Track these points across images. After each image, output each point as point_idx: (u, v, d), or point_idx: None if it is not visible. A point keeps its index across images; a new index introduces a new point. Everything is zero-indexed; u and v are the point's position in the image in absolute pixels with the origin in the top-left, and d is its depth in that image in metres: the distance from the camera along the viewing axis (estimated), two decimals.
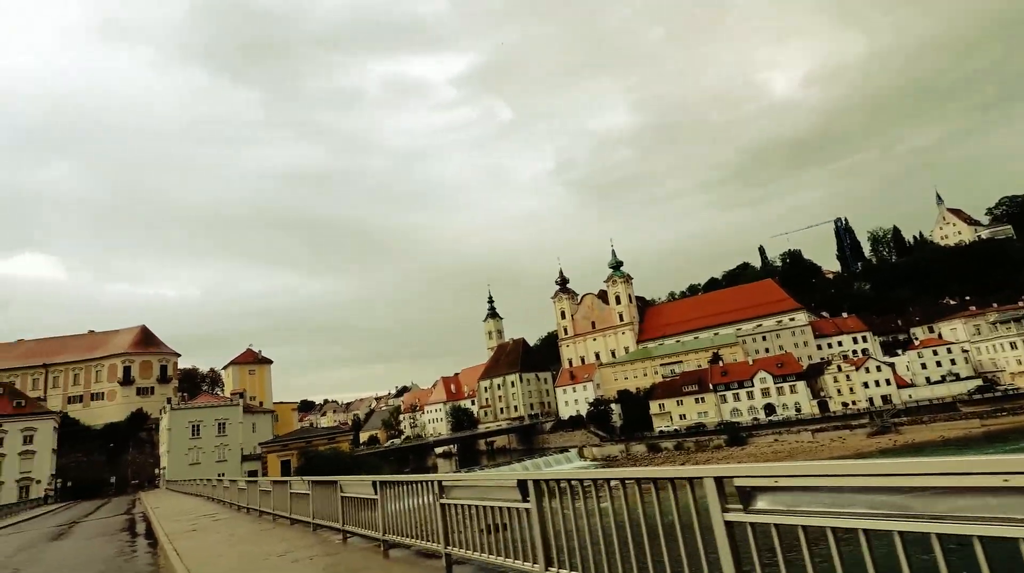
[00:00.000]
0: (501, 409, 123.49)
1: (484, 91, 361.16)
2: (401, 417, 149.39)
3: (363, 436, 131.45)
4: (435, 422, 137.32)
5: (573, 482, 4.67)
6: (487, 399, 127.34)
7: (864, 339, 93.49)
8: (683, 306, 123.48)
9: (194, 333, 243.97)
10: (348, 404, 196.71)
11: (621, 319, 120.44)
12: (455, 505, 6.32)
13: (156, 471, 76.71)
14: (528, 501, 5.06)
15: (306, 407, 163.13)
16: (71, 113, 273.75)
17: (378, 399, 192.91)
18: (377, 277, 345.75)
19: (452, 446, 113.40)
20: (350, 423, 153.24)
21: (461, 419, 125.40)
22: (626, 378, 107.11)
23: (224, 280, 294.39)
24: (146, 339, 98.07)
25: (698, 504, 3.42)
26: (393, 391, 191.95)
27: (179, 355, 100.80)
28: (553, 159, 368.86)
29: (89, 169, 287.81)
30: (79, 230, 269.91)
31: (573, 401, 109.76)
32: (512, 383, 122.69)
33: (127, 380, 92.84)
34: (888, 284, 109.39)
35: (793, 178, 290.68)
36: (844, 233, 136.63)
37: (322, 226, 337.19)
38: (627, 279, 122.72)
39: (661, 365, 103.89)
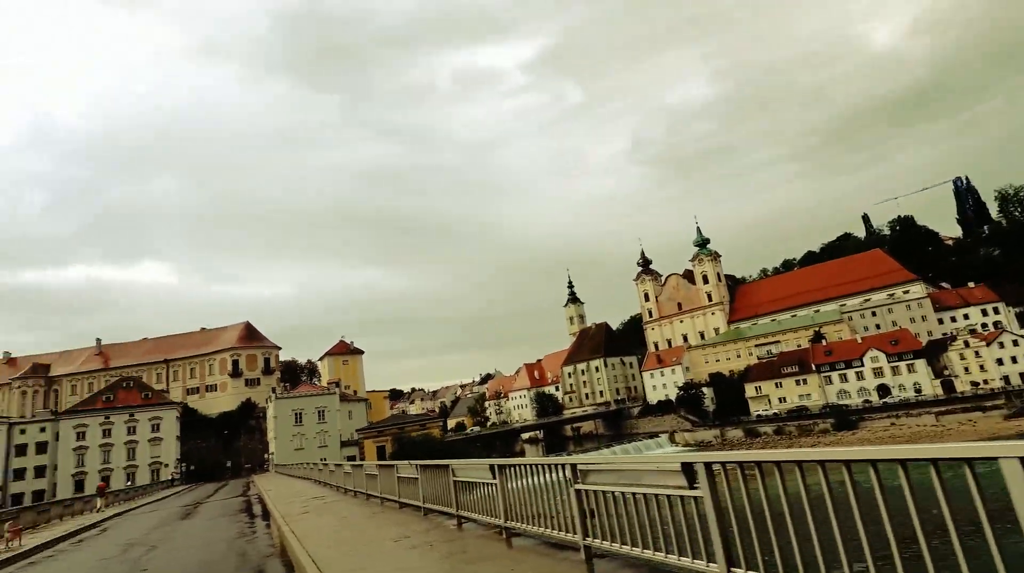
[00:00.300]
0: (586, 394, 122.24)
1: (554, 74, 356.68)
2: (486, 404, 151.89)
3: (450, 422, 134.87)
4: (520, 408, 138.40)
5: (747, 465, 3.71)
6: (571, 385, 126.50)
7: (995, 310, 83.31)
8: (778, 283, 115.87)
9: (290, 327, 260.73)
10: (434, 392, 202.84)
11: (710, 299, 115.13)
12: (593, 492, 5.49)
13: (265, 456, 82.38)
14: (697, 488, 4.12)
15: (395, 395, 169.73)
16: (174, 130, 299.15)
17: (463, 386, 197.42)
18: (456, 268, 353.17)
19: (538, 432, 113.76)
20: (437, 410, 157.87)
21: (546, 405, 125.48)
22: (717, 360, 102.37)
23: (314, 277, 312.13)
24: (250, 334, 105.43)
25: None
26: (477, 378, 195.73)
27: (280, 348, 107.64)
28: (628, 138, 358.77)
29: (192, 180, 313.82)
30: (187, 237, 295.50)
31: (661, 385, 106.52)
32: (596, 368, 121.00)
33: (236, 372, 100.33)
34: (1022, 248, 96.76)
35: (899, 138, 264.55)
36: (966, 193, 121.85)
37: (402, 221, 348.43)
38: (715, 257, 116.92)
39: (756, 346, 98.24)
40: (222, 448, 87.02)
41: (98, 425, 73.22)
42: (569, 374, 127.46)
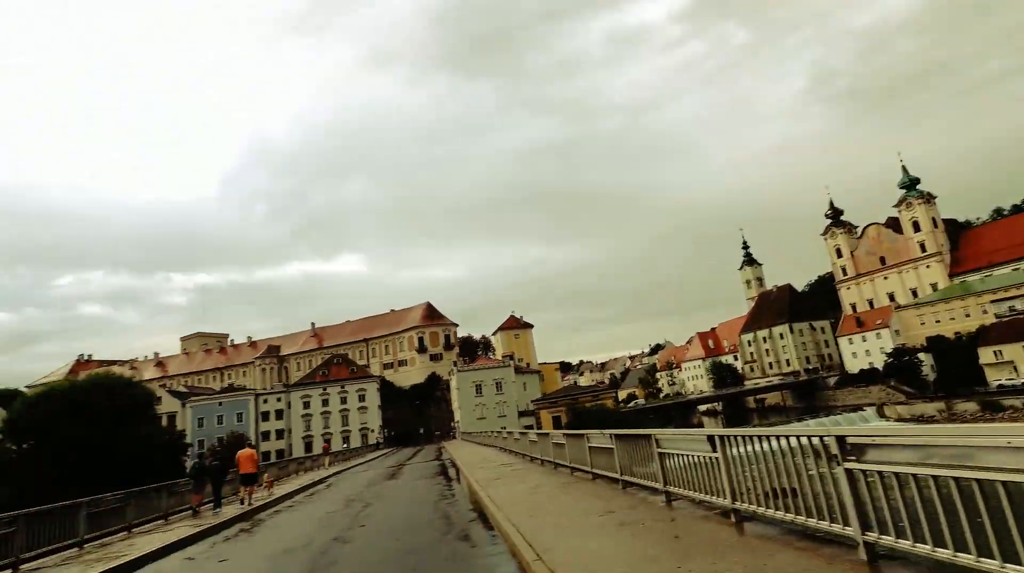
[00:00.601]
0: (769, 364, 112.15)
1: (711, 17, 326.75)
2: (658, 375, 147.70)
3: (621, 394, 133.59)
4: (695, 379, 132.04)
5: None
6: (751, 354, 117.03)
7: None
8: (1018, 224, 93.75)
9: (465, 306, 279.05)
10: (603, 364, 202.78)
11: (923, 249, 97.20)
12: (878, 472, 4.18)
13: (451, 424, 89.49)
14: None
15: (565, 368, 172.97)
16: (358, 135, 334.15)
17: (632, 358, 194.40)
18: (621, 238, 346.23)
19: (716, 404, 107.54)
20: (607, 382, 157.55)
21: (723, 375, 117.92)
22: (937, 321, 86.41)
23: (486, 257, 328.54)
24: (431, 313, 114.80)
25: None
26: (647, 349, 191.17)
27: (457, 325, 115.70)
28: (805, 75, 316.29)
29: (373, 179, 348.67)
30: (375, 230, 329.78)
31: (863, 352, 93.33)
32: (780, 335, 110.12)
33: (421, 349, 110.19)
34: None
35: None
36: None
37: (565, 195, 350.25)
38: (927, 199, 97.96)
39: (991, 302, 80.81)
40: (415, 416, 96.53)
41: (318, 396, 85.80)
42: (748, 342, 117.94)
